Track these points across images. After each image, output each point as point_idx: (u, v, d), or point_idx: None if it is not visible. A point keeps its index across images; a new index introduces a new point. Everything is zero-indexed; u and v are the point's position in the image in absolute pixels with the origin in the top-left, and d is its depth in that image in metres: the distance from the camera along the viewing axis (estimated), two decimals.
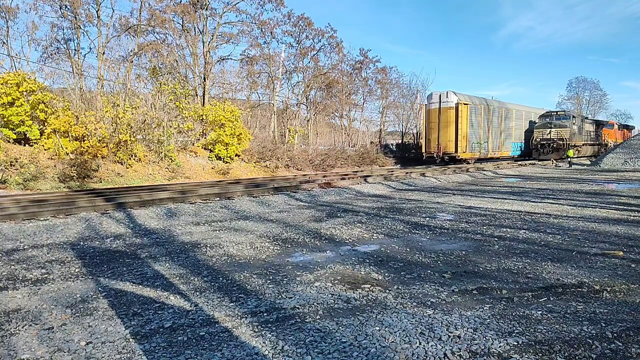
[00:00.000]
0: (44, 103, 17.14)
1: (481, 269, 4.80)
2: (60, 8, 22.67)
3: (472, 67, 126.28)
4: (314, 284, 4.33)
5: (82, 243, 6.39)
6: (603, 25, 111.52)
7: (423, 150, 30.77)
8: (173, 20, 25.21)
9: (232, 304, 3.79)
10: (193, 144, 22.61)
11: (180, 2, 25.56)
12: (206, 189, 12.33)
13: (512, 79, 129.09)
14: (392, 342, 2.99)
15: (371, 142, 40.05)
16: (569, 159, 28.77)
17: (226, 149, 22.36)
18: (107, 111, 18.97)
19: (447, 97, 28.14)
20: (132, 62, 24.37)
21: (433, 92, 29.35)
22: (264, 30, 29.93)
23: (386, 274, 4.63)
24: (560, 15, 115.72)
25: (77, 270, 4.94)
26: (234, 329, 3.25)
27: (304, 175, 21.09)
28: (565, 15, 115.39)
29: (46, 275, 4.73)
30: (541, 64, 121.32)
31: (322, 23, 72.80)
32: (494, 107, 31.72)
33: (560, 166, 28.16)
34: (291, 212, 9.41)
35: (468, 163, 28.69)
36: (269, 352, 2.87)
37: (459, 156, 28.40)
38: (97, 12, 22.90)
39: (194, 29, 26.48)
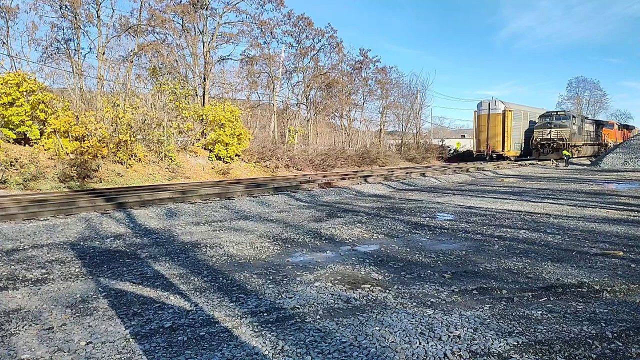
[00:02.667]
0: (44, 103, 17.13)
1: (481, 269, 4.80)
2: (60, 8, 22.66)
3: (473, 67, 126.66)
4: (314, 284, 4.32)
5: (82, 243, 6.39)
6: (603, 26, 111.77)
7: (474, 150, 37.20)
8: (173, 20, 25.20)
9: (232, 304, 3.79)
10: (193, 144, 22.61)
11: (180, 2, 25.55)
12: (206, 189, 12.33)
13: (513, 79, 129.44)
14: (392, 342, 2.99)
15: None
16: (567, 159, 28.88)
17: (226, 149, 22.35)
18: (107, 111, 18.97)
19: (495, 104, 34.20)
20: (132, 62, 24.36)
21: (482, 100, 35.20)
22: (264, 30, 29.91)
23: (386, 274, 4.63)
24: (561, 16, 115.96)
25: (77, 270, 4.94)
26: (234, 329, 3.25)
27: (304, 175, 21.09)
28: (566, 15, 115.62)
29: (46, 275, 4.73)
30: (541, 64, 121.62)
31: (322, 23, 72.83)
32: (529, 112, 36.48)
33: (560, 166, 28.18)
34: (291, 212, 9.40)
35: (511, 160, 33.66)
36: (269, 352, 2.87)
37: (505, 154, 33.95)
38: (97, 12, 22.89)
39: (194, 29, 26.46)
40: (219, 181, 16.91)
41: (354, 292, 4.04)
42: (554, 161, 30.65)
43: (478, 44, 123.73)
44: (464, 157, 42.55)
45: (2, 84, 16.13)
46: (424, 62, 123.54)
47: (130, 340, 3.09)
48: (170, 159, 19.64)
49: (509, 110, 34.01)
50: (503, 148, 33.85)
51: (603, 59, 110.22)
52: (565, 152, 29.66)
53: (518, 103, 37.56)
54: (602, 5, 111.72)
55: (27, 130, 16.74)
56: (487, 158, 34.34)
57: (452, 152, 46.41)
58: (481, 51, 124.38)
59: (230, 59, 29.43)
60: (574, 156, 34.08)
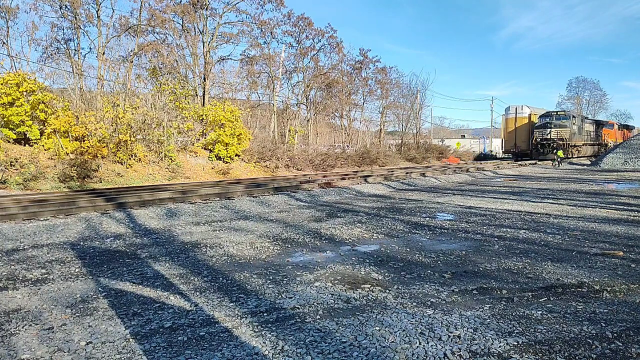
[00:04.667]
0: (44, 103, 17.13)
1: (481, 269, 4.80)
2: (60, 8, 22.68)
3: (473, 67, 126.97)
4: (314, 284, 4.32)
5: (82, 243, 6.39)
6: (603, 26, 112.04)
7: (501, 149, 43.01)
8: (173, 20, 25.22)
9: (232, 304, 3.79)
10: (193, 144, 22.60)
11: (180, 2, 25.56)
12: (206, 189, 12.33)
13: (513, 79, 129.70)
14: (392, 342, 2.99)
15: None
16: (558, 159, 29.09)
17: (226, 149, 22.35)
18: (107, 111, 18.97)
19: (521, 109, 38.47)
20: (132, 62, 24.37)
21: (510, 105, 39.91)
22: (264, 30, 29.95)
23: (386, 274, 4.63)
24: (561, 16, 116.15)
25: (77, 270, 4.94)
26: (234, 329, 3.24)
27: (304, 175, 21.09)
28: (566, 15, 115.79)
29: (46, 275, 4.73)
30: (541, 64, 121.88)
31: (322, 23, 72.87)
32: None
33: (559, 166, 28.20)
34: (291, 212, 9.40)
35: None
36: (269, 352, 2.87)
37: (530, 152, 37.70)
38: (97, 12, 22.91)
39: (194, 29, 26.48)
40: (219, 181, 16.91)
41: (354, 292, 4.04)
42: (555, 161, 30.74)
43: (478, 44, 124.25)
44: (493, 157, 48.89)
45: (2, 84, 16.13)
46: (424, 62, 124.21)
47: (130, 340, 3.09)
48: (170, 159, 19.63)
49: (534, 114, 37.89)
50: (529, 147, 37.43)
51: (603, 59, 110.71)
52: (559, 152, 29.86)
53: (541, 107, 40.98)
54: (602, 5, 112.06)
55: (27, 131, 16.74)
56: (513, 157, 38.84)
57: (478, 152, 51.42)
58: (481, 51, 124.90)
59: (230, 59, 29.50)
60: (574, 156, 34.15)
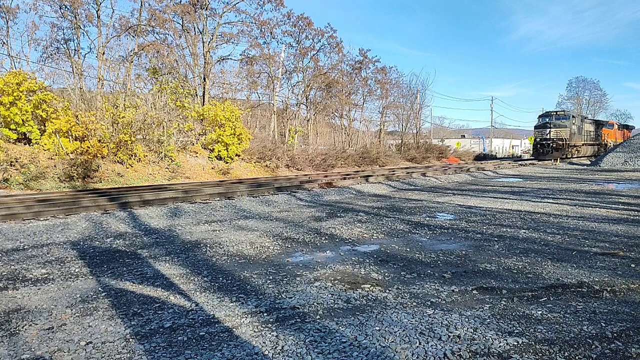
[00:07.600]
0: (46, 102, 17.14)
1: (481, 268, 4.79)
2: (60, 8, 22.69)
3: (480, 68, 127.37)
4: (314, 283, 4.32)
5: (82, 243, 6.39)
6: (610, 30, 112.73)
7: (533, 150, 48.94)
8: (173, 20, 25.22)
9: (232, 303, 3.79)
10: (193, 144, 22.60)
11: (180, 2, 25.55)
12: (208, 188, 12.33)
13: (518, 80, 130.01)
14: (392, 342, 2.99)
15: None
16: (559, 157, 29.67)
17: (226, 149, 22.34)
18: (108, 111, 18.97)
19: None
20: (132, 62, 24.36)
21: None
22: (263, 30, 29.98)
23: (386, 274, 4.63)
24: (570, 20, 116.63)
25: (77, 270, 4.94)
26: (234, 329, 3.24)
27: (305, 175, 21.09)
28: (575, 19, 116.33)
29: (46, 275, 4.73)
30: (547, 65, 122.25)
31: (322, 23, 72.95)
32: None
33: (559, 166, 28.21)
34: (292, 211, 9.40)
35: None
36: (269, 352, 2.87)
37: None
38: (97, 12, 22.91)
39: (194, 29, 26.48)
40: (221, 181, 16.91)
41: (354, 292, 4.04)
42: (556, 161, 30.82)
43: (487, 47, 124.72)
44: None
45: (3, 84, 16.12)
46: (434, 64, 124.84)
47: (130, 340, 3.09)
48: (170, 159, 19.63)
49: None
50: None
51: (608, 61, 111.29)
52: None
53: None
54: (610, 10, 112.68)
55: (28, 131, 16.74)
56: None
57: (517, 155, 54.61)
58: (490, 54, 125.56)
59: (230, 59, 29.49)
60: (573, 156, 34.20)
